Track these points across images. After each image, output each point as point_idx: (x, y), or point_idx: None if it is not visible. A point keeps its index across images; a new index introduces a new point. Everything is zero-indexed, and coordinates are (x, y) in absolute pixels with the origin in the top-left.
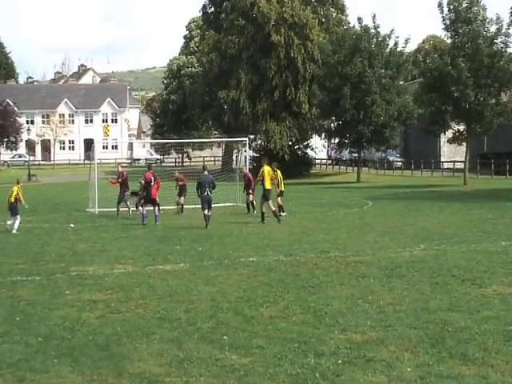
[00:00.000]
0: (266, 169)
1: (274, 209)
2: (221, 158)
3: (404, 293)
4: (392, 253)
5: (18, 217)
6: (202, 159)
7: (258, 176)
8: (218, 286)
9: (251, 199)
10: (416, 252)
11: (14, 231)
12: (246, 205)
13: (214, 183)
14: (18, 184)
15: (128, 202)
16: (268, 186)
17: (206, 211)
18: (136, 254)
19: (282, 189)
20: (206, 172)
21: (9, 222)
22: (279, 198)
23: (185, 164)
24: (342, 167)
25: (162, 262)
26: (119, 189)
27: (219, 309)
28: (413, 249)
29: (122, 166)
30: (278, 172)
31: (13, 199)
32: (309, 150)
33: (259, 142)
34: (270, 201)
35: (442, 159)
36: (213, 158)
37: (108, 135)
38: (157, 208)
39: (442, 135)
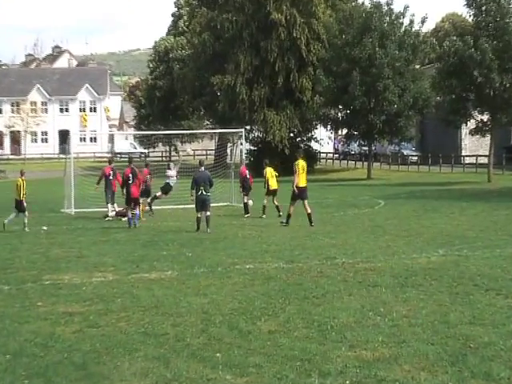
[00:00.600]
0: (268, 170)
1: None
2: (213, 152)
3: (420, 304)
4: (407, 259)
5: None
6: (192, 153)
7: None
8: (210, 297)
9: (245, 200)
10: (434, 258)
11: (26, 229)
12: (243, 205)
13: (211, 181)
14: (22, 176)
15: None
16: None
17: (199, 214)
18: (117, 260)
19: (272, 187)
20: (202, 168)
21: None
22: (275, 198)
23: (173, 158)
24: (350, 162)
25: (147, 269)
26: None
27: (211, 322)
28: (430, 254)
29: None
30: (267, 169)
31: (22, 194)
32: (313, 143)
33: (256, 133)
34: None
35: (464, 153)
36: (205, 152)
37: (86, 126)
38: (138, 207)
39: (464, 126)
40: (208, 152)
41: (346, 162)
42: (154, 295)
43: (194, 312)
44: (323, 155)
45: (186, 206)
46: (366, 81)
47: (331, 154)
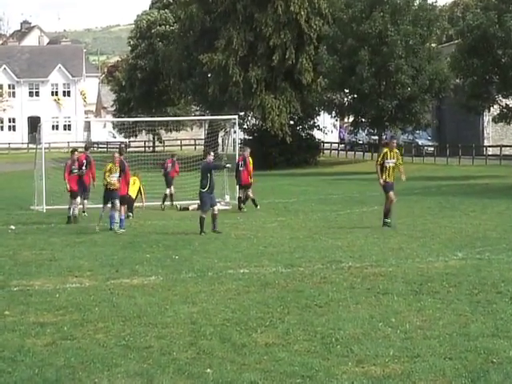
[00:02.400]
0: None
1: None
2: (203, 142)
3: (437, 314)
4: (421, 263)
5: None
6: (178, 142)
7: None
8: (200, 306)
9: (251, 195)
10: (452, 262)
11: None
12: (238, 201)
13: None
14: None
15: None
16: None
17: (204, 214)
18: (95, 264)
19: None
20: (210, 157)
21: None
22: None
23: (157, 149)
24: (357, 153)
25: (128, 274)
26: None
27: (201, 334)
28: (448, 258)
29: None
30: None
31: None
32: (315, 131)
33: (252, 120)
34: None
35: (486, 143)
36: (193, 142)
37: (61, 109)
38: (123, 209)
39: (486, 112)
40: (197, 142)
41: (352, 153)
42: (136, 303)
43: (181, 322)
44: (327, 145)
45: (176, 203)
46: (376, 61)
47: (336, 144)
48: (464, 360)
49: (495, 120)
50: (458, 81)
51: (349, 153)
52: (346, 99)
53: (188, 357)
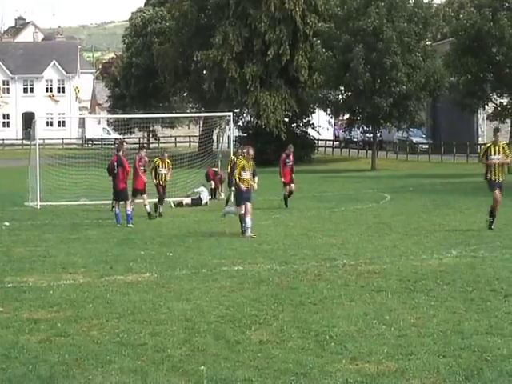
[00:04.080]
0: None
1: None
2: (198, 139)
3: (431, 312)
4: (416, 261)
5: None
6: (173, 140)
7: None
8: (194, 303)
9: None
10: (446, 260)
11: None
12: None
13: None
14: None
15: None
16: None
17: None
18: (89, 260)
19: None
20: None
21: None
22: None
23: (151, 146)
24: (352, 151)
25: (123, 271)
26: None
27: (195, 331)
28: (442, 256)
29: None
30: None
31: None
32: (310, 129)
33: (247, 117)
34: None
35: (481, 141)
36: (187, 139)
37: (56, 104)
38: (128, 203)
39: (481, 110)
40: (192, 139)
41: (347, 150)
42: (130, 300)
43: (175, 319)
44: (322, 143)
45: (168, 199)
46: (371, 58)
47: (331, 142)
48: (458, 358)
49: (490, 118)
50: (452, 79)
51: (343, 150)
52: (341, 96)
53: (182, 354)
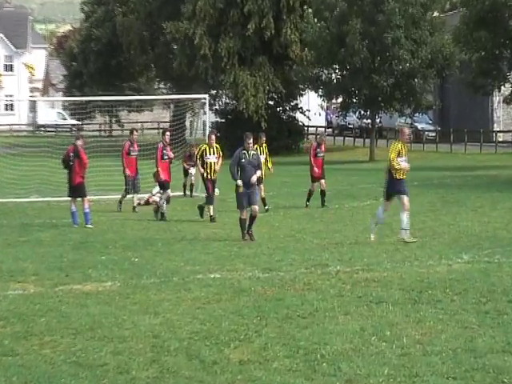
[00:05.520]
0: None
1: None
2: (168, 125)
3: (438, 326)
4: (421, 267)
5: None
6: (140, 126)
7: None
8: (163, 316)
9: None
10: (456, 266)
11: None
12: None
13: (260, 164)
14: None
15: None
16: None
17: (243, 214)
18: (41, 267)
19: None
20: (250, 142)
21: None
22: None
23: (114, 133)
24: (347, 139)
25: (80, 279)
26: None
27: (164, 350)
28: (452, 261)
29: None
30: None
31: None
32: (298, 114)
33: (225, 99)
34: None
35: (496, 128)
36: (156, 125)
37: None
38: (86, 200)
39: (496, 92)
40: (161, 125)
41: (341, 138)
42: (89, 313)
43: (141, 336)
44: (312, 130)
45: (131, 196)
46: (370, 31)
47: (322, 129)
48: (470, 380)
49: (507, 101)
50: (463, 56)
51: (337, 138)
52: (334, 76)
53: (149, 376)
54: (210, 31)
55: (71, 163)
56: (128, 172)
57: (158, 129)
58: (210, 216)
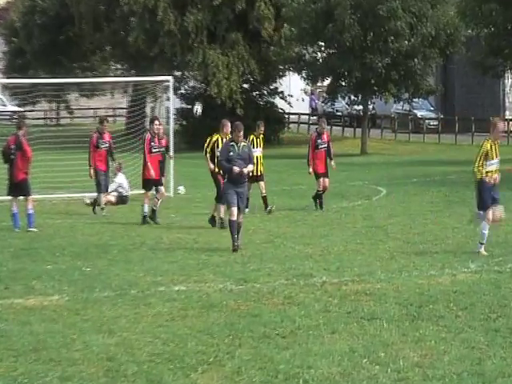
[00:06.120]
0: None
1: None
2: (125, 112)
3: (441, 347)
4: (421, 278)
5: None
6: (92, 113)
7: None
8: (120, 336)
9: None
10: (462, 276)
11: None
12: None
13: (251, 157)
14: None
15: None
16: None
17: (233, 216)
18: None
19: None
20: (240, 134)
21: None
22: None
23: (62, 121)
24: (335, 128)
25: (22, 292)
26: None
27: (121, 374)
28: (456, 271)
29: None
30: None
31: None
32: (278, 100)
33: (193, 83)
34: None
35: (508, 115)
36: (111, 112)
37: None
38: (30, 200)
39: (508, 74)
40: (117, 112)
41: (328, 127)
42: (33, 332)
43: (93, 358)
44: (294, 118)
45: (83, 195)
46: (363, 4)
47: (306, 117)
48: None
49: None
50: (470, 32)
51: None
52: (320, 55)
53: None
54: (174, 2)
55: (12, 157)
56: (98, 167)
57: (113, 116)
58: (220, 219)
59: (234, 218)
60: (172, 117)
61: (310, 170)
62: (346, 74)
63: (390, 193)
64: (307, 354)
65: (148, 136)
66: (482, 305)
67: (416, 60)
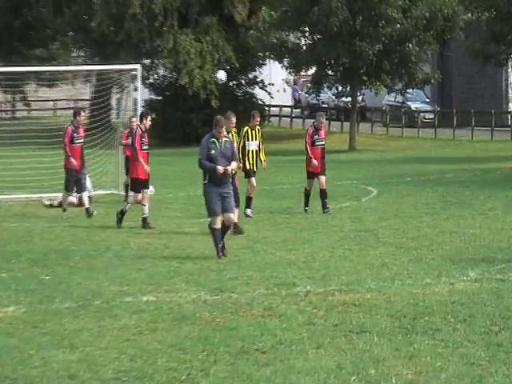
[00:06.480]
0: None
1: None
2: (88, 104)
3: (437, 363)
4: (415, 287)
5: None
6: (51, 105)
7: None
8: (82, 351)
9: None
10: (461, 285)
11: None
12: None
13: (235, 154)
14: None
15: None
16: None
17: (215, 223)
18: None
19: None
20: (222, 130)
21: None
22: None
23: (18, 114)
24: None
25: None
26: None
27: None
28: (455, 279)
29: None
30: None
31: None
32: (258, 90)
33: (162, 71)
34: None
35: None
36: (72, 103)
37: None
38: None
39: (511, 63)
40: (80, 103)
41: (313, 121)
42: None
43: (53, 376)
44: (275, 110)
45: (41, 195)
46: None
47: (288, 109)
48: None
49: None
50: (470, 16)
51: (307, 121)
52: (304, 41)
53: None
54: None
55: None
56: (73, 165)
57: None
58: (235, 224)
59: (218, 226)
60: (140, 108)
61: (314, 161)
62: (332, 62)
63: (381, 193)
64: (289, 371)
65: (139, 131)
66: (483, 317)
67: (410, 47)
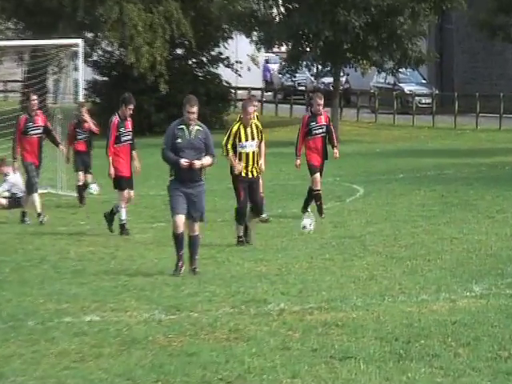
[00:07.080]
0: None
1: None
2: (20, 87)
3: None
4: (410, 304)
5: None
6: None
7: None
8: (13, 381)
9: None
10: (463, 302)
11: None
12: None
13: (210, 147)
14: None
15: None
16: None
17: (177, 228)
18: None
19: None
20: (193, 120)
21: None
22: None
23: None
24: (297, 107)
25: None
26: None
27: None
28: (456, 295)
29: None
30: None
31: None
32: (222, 69)
33: (107, 47)
34: None
35: None
36: (1, 85)
37: None
38: None
39: None
40: (10, 86)
41: (287, 107)
42: None
43: None
44: (242, 93)
45: None
46: None
47: (259, 92)
48: None
49: None
50: None
51: (281, 107)
52: (277, 11)
53: None
54: None
55: None
56: (26, 160)
57: (4, 91)
58: (239, 237)
59: (180, 230)
60: (82, 92)
61: (297, 161)
62: (311, 35)
63: (368, 193)
64: None
65: (115, 119)
66: (490, 339)
67: (402, 19)
